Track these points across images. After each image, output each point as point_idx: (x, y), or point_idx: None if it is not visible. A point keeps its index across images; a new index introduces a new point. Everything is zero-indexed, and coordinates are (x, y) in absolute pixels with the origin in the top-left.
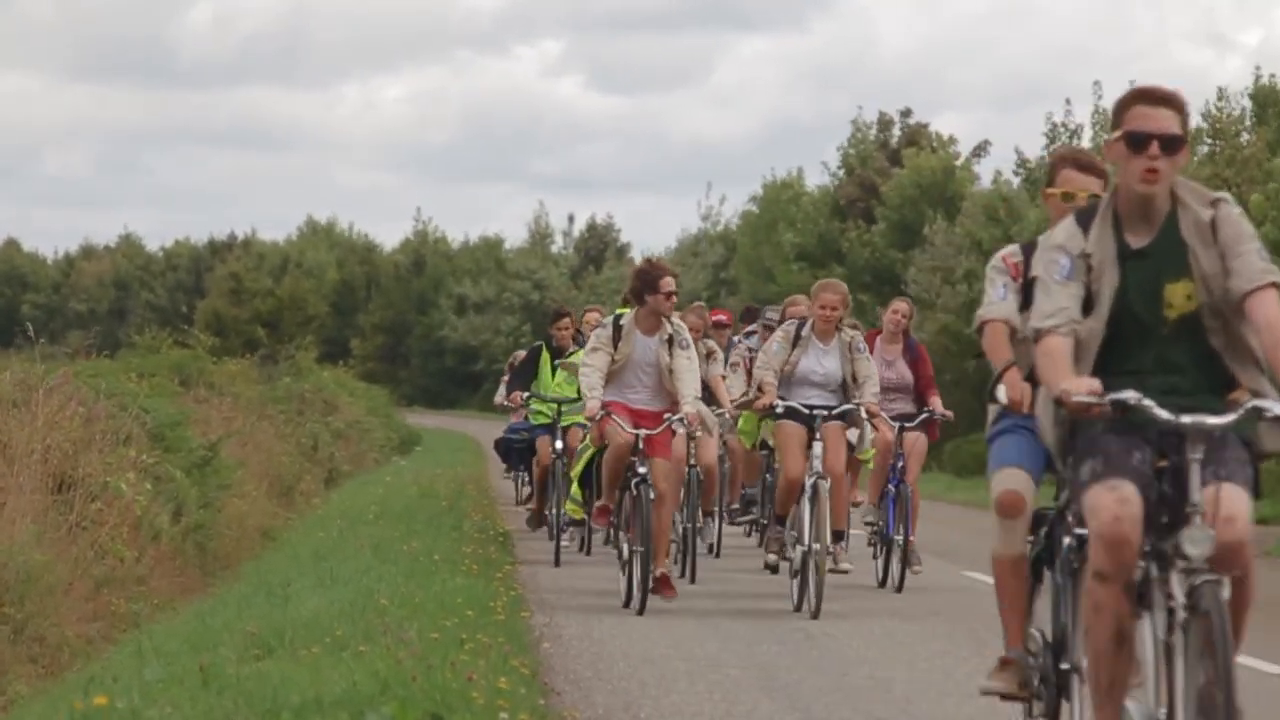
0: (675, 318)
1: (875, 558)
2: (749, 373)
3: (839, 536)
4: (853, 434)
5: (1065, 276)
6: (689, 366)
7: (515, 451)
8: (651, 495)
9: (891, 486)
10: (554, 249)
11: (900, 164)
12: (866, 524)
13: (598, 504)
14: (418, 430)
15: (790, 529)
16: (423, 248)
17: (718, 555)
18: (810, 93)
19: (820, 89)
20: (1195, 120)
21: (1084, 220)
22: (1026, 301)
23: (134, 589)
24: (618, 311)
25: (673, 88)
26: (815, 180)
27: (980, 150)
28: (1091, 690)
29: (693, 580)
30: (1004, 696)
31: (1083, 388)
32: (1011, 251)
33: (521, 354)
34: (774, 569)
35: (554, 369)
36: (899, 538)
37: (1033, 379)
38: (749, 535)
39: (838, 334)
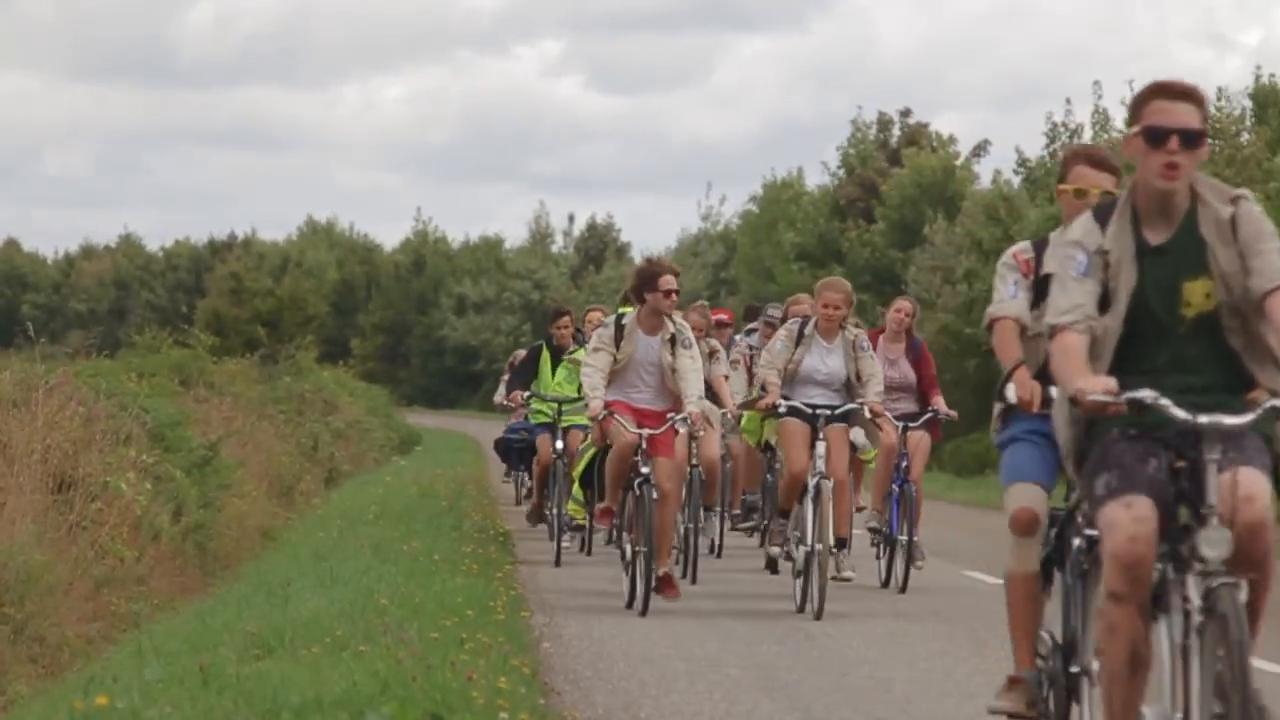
0: (678, 317)
1: (878, 558)
2: (749, 370)
3: (841, 544)
4: (857, 434)
5: (1082, 273)
6: (693, 366)
7: (515, 451)
8: (654, 495)
9: (895, 486)
10: (554, 249)
11: (900, 164)
12: (870, 529)
13: (601, 505)
14: (418, 430)
15: (793, 529)
16: (423, 248)
17: (719, 555)
18: (810, 93)
19: (820, 89)
20: None
21: (1102, 216)
22: (1038, 299)
23: (134, 589)
24: (620, 310)
25: (673, 88)
26: (815, 180)
27: (980, 150)
28: (1105, 711)
29: (694, 581)
30: (1011, 716)
31: (1098, 386)
32: (1023, 248)
33: (522, 353)
34: (774, 565)
35: (555, 368)
36: (903, 538)
37: (1042, 378)
38: (750, 536)
39: (841, 332)
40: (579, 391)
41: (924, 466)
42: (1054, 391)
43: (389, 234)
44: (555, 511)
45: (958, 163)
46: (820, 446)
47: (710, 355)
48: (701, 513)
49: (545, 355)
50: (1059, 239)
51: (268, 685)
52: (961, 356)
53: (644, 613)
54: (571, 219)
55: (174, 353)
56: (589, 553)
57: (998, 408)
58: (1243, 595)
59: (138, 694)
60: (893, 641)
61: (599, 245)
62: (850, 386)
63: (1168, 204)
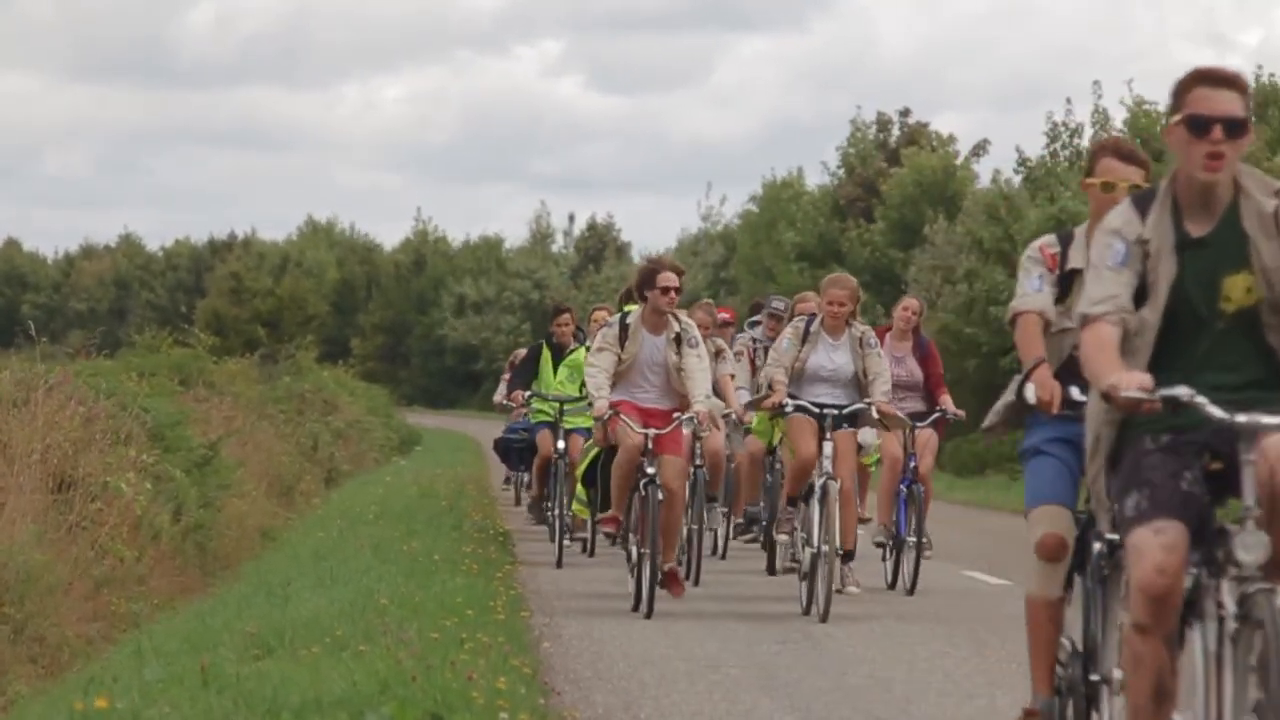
0: (683, 315)
1: (885, 559)
2: (752, 362)
3: (848, 556)
4: (865, 434)
5: (1119, 262)
6: (699, 365)
7: (515, 452)
8: (660, 497)
9: (903, 487)
10: (554, 249)
11: (899, 163)
12: (876, 544)
13: (607, 515)
14: (418, 430)
15: (800, 530)
16: (423, 247)
17: (724, 557)
18: (810, 93)
19: (820, 89)
20: None
21: (1142, 205)
22: (1062, 294)
23: (134, 589)
24: (625, 309)
25: (673, 88)
26: (815, 180)
27: (980, 150)
28: None
29: (696, 582)
30: None
31: (1133, 383)
32: (1049, 241)
33: (522, 352)
34: (774, 567)
35: (556, 366)
36: (910, 539)
37: (1062, 376)
38: (752, 543)
39: (848, 329)
40: (580, 391)
41: (934, 458)
42: (1074, 392)
43: (389, 234)
44: (557, 513)
45: (957, 162)
46: (827, 447)
47: (716, 354)
48: (705, 508)
49: (546, 354)
50: (1082, 233)
51: (268, 685)
52: (961, 356)
53: (649, 615)
54: (572, 219)
55: (174, 353)
56: (591, 554)
57: (1006, 400)
58: None
59: (138, 694)
60: (893, 641)
61: (599, 245)
62: (858, 383)
63: (1210, 195)
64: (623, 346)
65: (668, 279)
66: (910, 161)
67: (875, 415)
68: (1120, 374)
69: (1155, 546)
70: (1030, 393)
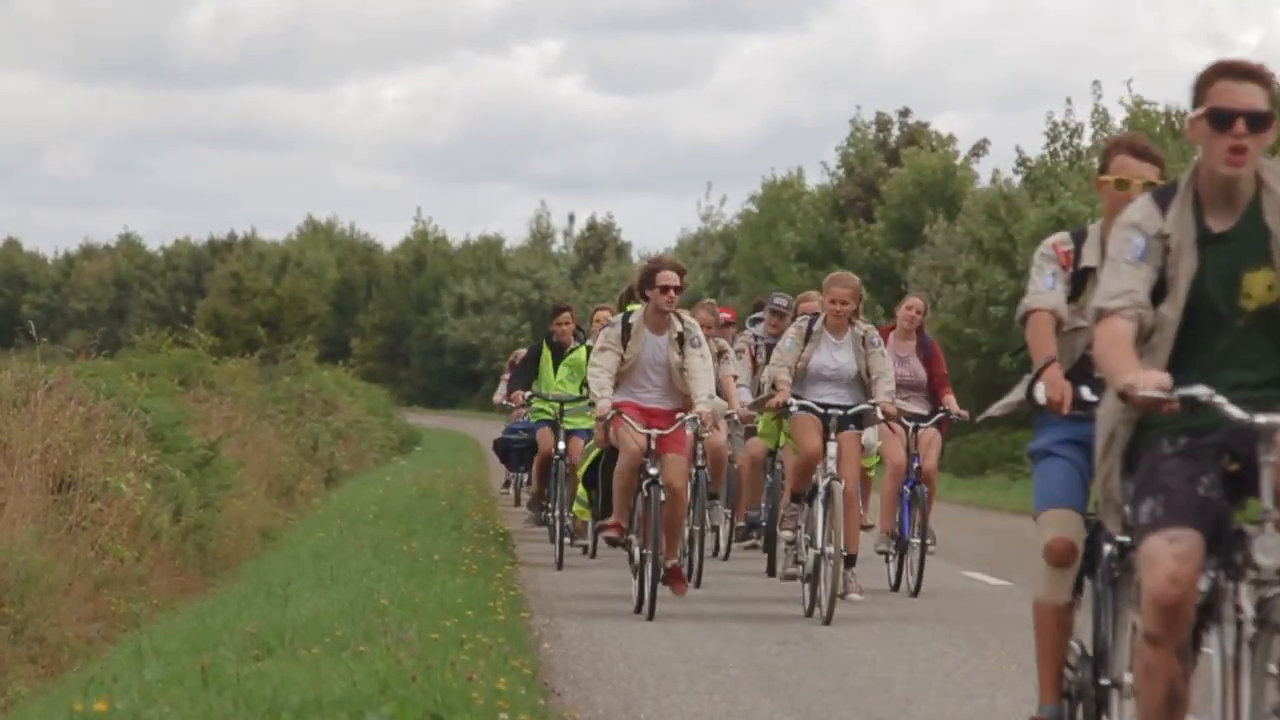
0: (686, 315)
1: (888, 561)
2: (754, 360)
3: (850, 561)
4: (868, 434)
5: (1138, 257)
6: (702, 365)
7: (515, 452)
8: (663, 497)
9: (907, 488)
10: (554, 248)
11: (899, 163)
12: (879, 552)
13: (609, 522)
14: (418, 430)
15: (804, 532)
16: (423, 247)
17: (726, 558)
18: (810, 93)
19: (820, 89)
20: None
21: (1162, 199)
22: (1075, 292)
23: (134, 589)
24: (628, 309)
25: (673, 88)
26: (815, 180)
27: (980, 150)
28: None
29: (698, 584)
30: None
31: (1150, 382)
32: (1062, 239)
33: (522, 352)
34: (774, 568)
35: (556, 365)
36: (914, 540)
37: (1074, 376)
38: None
39: (851, 328)
40: (581, 390)
41: (939, 455)
42: (1085, 392)
43: (389, 234)
44: (557, 514)
45: (957, 162)
46: (831, 448)
47: (719, 355)
48: (706, 507)
49: (546, 354)
50: (1096, 231)
51: (268, 685)
52: (961, 356)
53: (651, 617)
54: (572, 219)
55: (174, 353)
56: (592, 555)
57: (1014, 398)
58: None
59: (138, 694)
60: (893, 641)
61: (599, 245)
62: (861, 382)
63: (1232, 190)
64: (625, 346)
65: (668, 278)
66: (910, 161)
67: (880, 416)
68: (1138, 372)
69: (1169, 555)
70: (1040, 393)
